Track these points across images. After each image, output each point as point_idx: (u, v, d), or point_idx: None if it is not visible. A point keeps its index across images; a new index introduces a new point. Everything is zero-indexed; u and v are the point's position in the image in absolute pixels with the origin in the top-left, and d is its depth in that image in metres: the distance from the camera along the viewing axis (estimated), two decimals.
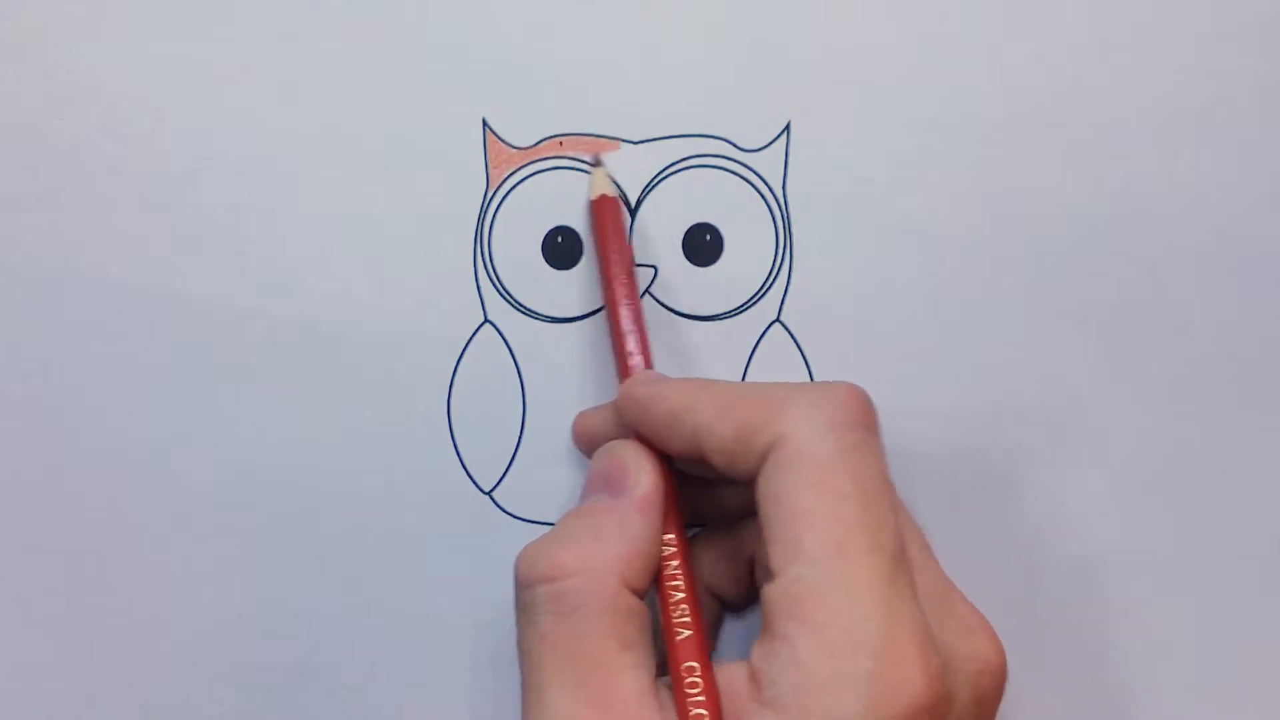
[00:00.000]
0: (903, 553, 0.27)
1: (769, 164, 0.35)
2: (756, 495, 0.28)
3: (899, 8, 0.35)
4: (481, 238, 0.35)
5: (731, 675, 0.28)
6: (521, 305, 0.35)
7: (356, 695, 0.36)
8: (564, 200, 0.35)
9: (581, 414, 0.35)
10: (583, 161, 0.35)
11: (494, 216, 0.35)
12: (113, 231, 0.35)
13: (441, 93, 0.35)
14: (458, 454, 0.36)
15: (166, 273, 0.35)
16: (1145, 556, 0.36)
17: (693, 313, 0.35)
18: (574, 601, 0.28)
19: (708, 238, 0.35)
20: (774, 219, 0.35)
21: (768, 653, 0.27)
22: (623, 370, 0.33)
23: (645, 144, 0.35)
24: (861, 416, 0.28)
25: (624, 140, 0.35)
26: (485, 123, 0.35)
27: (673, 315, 0.35)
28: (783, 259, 0.35)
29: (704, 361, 0.35)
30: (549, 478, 0.36)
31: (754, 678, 0.27)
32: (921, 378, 0.35)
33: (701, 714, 0.27)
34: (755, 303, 0.35)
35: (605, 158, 0.35)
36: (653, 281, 0.35)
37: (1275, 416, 0.36)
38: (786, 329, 0.35)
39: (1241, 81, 0.35)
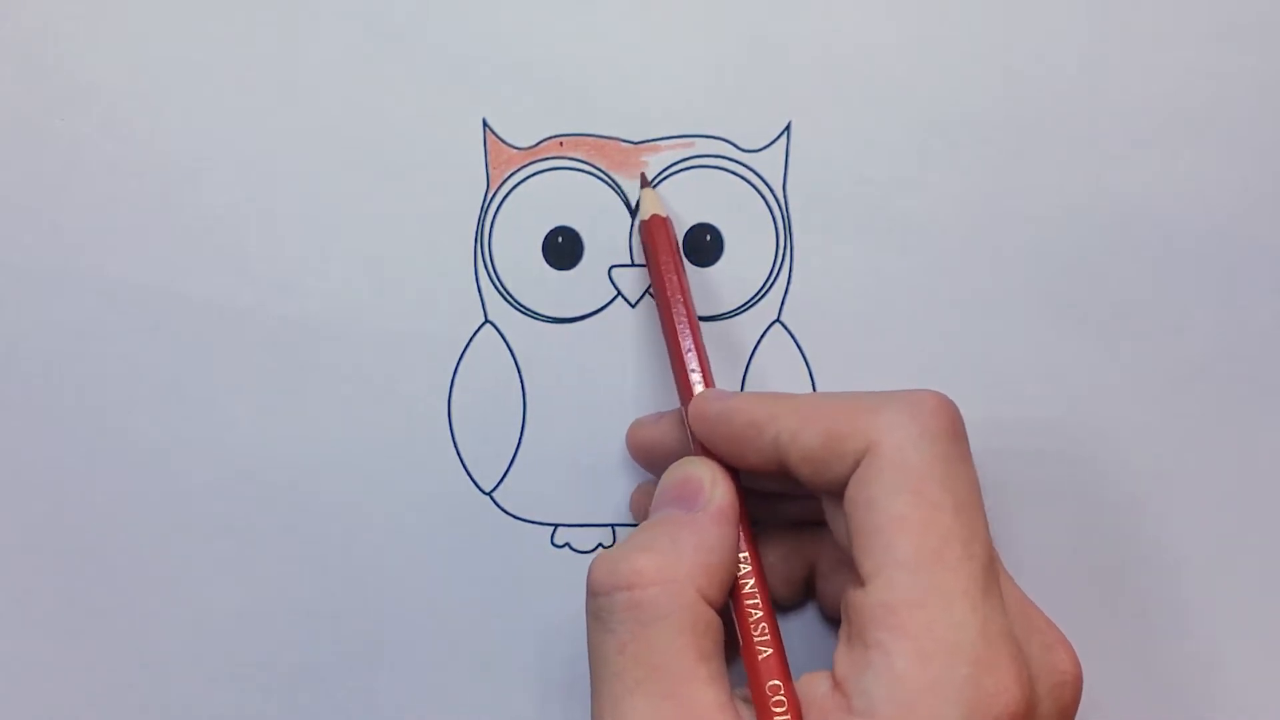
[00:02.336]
0: (993, 563, 0.28)
1: (769, 164, 0.35)
2: (845, 502, 0.28)
3: (899, 8, 0.35)
4: (481, 238, 0.35)
5: (812, 688, 0.28)
6: (521, 305, 0.35)
7: (356, 695, 0.36)
8: (564, 200, 0.35)
9: (637, 425, 0.35)
10: (582, 162, 0.35)
11: (494, 216, 0.35)
12: (113, 231, 0.35)
13: (441, 93, 0.35)
14: (458, 454, 0.36)
15: (166, 273, 0.35)
16: (1147, 556, 0.36)
17: None
18: (654, 611, 0.28)
19: (708, 238, 0.35)
20: (774, 219, 0.35)
21: (857, 662, 0.27)
22: (685, 390, 0.32)
23: (645, 144, 0.35)
24: (953, 425, 0.28)
25: (624, 140, 0.35)
26: (485, 123, 0.35)
27: None
28: (783, 259, 0.35)
29: None
30: (549, 478, 0.36)
31: (839, 688, 0.27)
32: (921, 378, 0.35)
33: (780, 700, 0.27)
34: (755, 303, 0.35)
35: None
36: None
37: (1275, 416, 0.36)
38: (786, 329, 0.35)
39: (1241, 81, 0.35)
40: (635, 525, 0.36)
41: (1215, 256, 0.35)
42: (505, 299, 0.35)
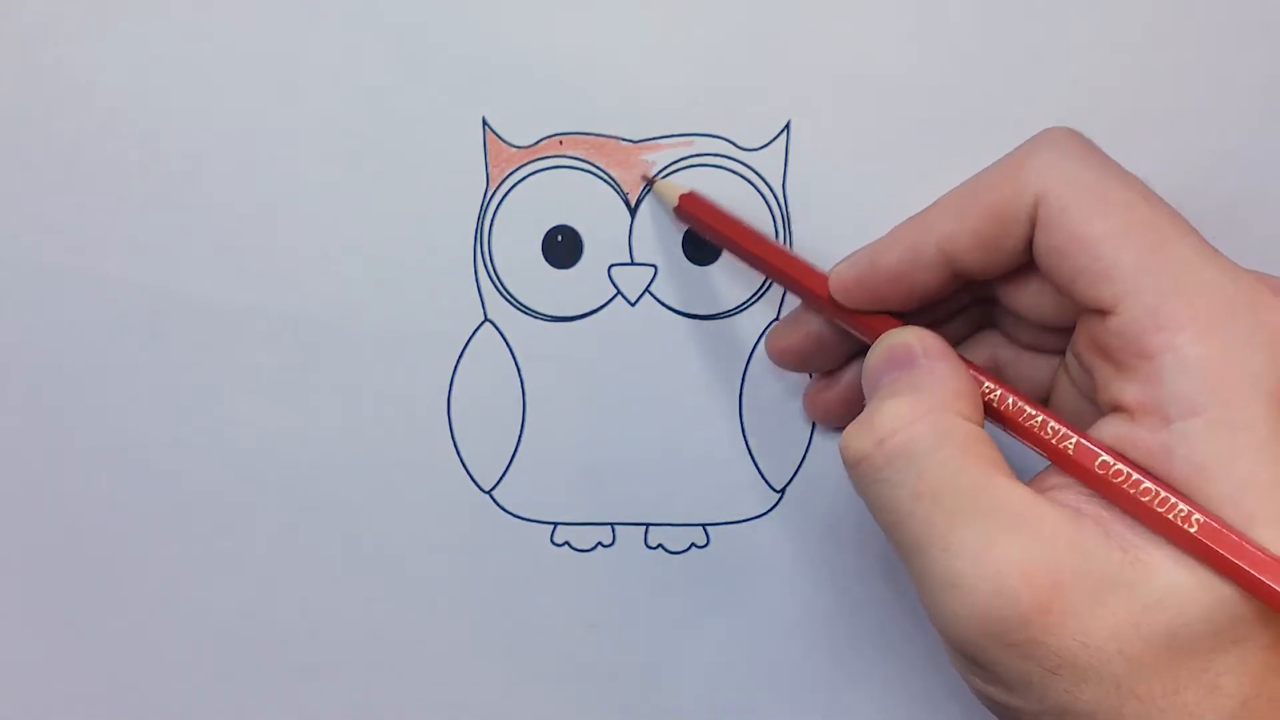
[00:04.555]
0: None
1: (769, 164, 0.35)
2: (1042, 256, 0.28)
3: (899, 7, 0.35)
4: (481, 237, 0.35)
5: (1113, 432, 0.27)
6: (521, 305, 0.35)
7: (356, 695, 0.36)
8: (564, 199, 0.35)
9: (775, 334, 0.34)
10: (582, 160, 0.35)
11: (494, 216, 0.35)
12: (113, 231, 0.35)
13: (441, 93, 0.35)
14: (458, 454, 0.36)
15: (166, 273, 0.35)
16: None
17: (693, 312, 0.35)
18: (929, 442, 0.27)
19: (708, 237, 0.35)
20: (774, 219, 0.35)
21: (1149, 377, 0.26)
22: (808, 280, 0.32)
23: (644, 142, 0.35)
24: (1087, 141, 0.29)
25: (623, 139, 0.35)
26: (485, 122, 0.35)
27: (673, 315, 0.35)
28: None
29: (704, 361, 0.35)
30: (549, 477, 0.36)
31: (1143, 412, 0.27)
32: None
33: (1119, 469, 0.27)
34: (755, 302, 0.35)
35: (604, 162, 0.35)
36: (652, 281, 0.35)
37: None
38: None
39: (1240, 81, 0.35)
40: (636, 525, 0.36)
41: None
42: (505, 298, 0.35)
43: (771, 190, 0.35)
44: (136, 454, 0.36)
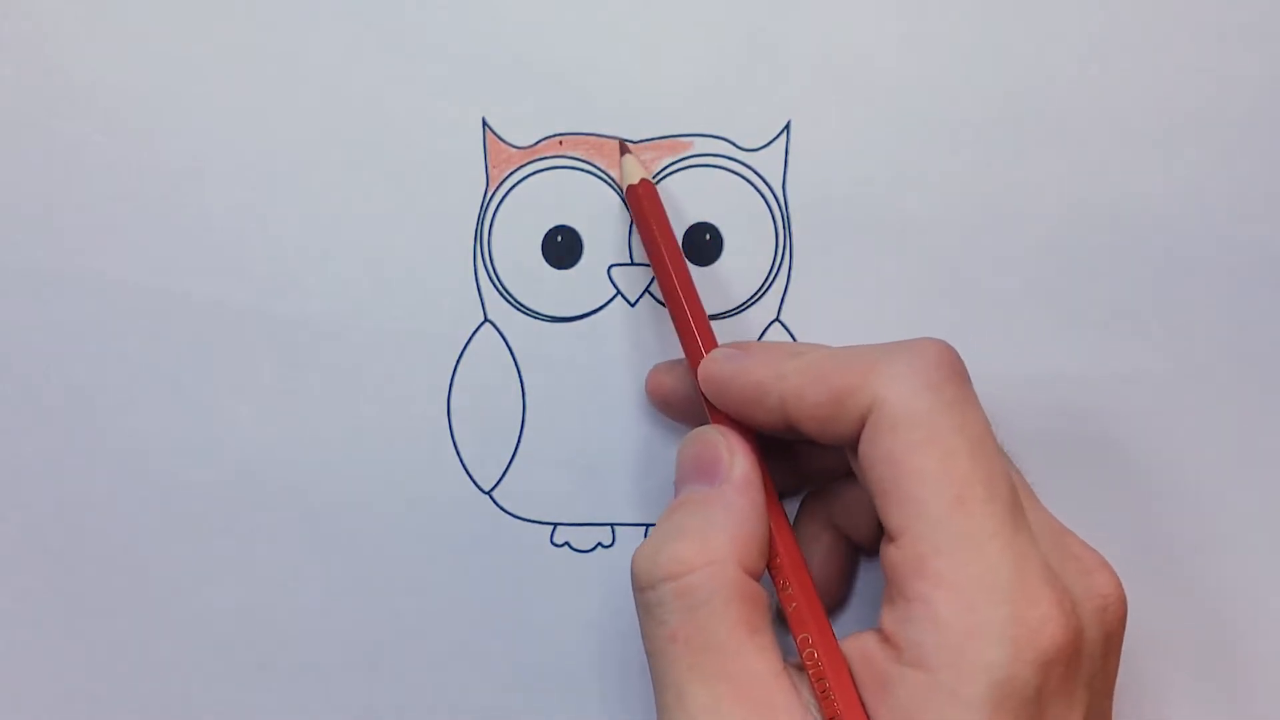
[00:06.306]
0: (1016, 498, 0.28)
1: (769, 164, 0.35)
2: (859, 460, 0.28)
3: (899, 8, 0.35)
4: (481, 238, 0.35)
5: (863, 644, 0.28)
6: (521, 305, 0.35)
7: (356, 695, 0.36)
8: (564, 200, 0.35)
9: (655, 371, 0.35)
10: (582, 161, 0.35)
11: (494, 216, 0.35)
12: (113, 231, 0.35)
13: (441, 93, 0.35)
14: (458, 454, 0.36)
15: (166, 273, 0.35)
16: (1145, 556, 0.36)
17: None
18: (701, 595, 0.28)
19: (707, 237, 0.35)
20: (774, 219, 0.35)
21: (901, 616, 0.27)
22: (692, 352, 0.32)
23: (644, 143, 0.35)
24: (955, 371, 0.28)
25: (624, 140, 0.35)
26: (485, 123, 0.35)
27: None
28: (782, 258, 0.35)
29: None
30: (549, 478, 0.36)
31: (889, 642, 0.27)
32: None
33: (823, 681, 0.28)
34: (755, 302, 0.35)
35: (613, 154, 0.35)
36: (652, 281, 0.35)
37: (1276, 416, 0.35)
38: (786, 329, 0.35)
39: (1241, 81, 0.35)
40: (636, 525, 0.36)
41: (1215, 256, 0.35)
42: (505, 298, 0.35)
43: (771, 190, 0.35)
44: (136, 454, 0.36)
